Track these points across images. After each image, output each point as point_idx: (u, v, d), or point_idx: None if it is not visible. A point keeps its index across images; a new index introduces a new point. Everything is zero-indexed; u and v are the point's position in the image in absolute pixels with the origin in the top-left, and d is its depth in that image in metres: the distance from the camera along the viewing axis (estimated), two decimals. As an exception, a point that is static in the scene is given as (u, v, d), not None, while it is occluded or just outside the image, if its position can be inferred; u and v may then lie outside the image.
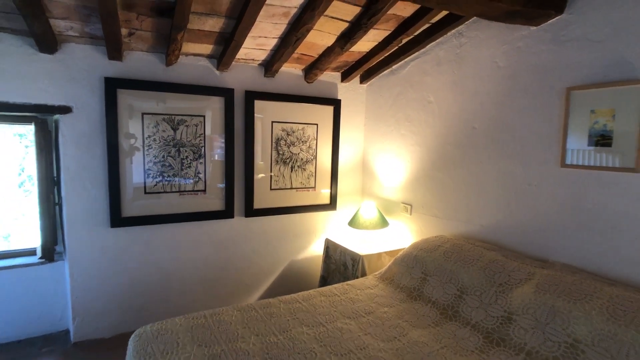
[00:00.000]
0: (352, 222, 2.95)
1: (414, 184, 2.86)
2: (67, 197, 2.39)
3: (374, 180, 3.28)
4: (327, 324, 1.89)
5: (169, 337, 1.72)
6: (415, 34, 2.56)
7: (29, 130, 2.75)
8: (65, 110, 2.33)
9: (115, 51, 2.32)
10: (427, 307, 2.05)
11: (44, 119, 2.42)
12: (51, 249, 2.44)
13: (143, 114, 2.50)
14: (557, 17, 1.96)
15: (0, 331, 2.48)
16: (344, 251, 2.87)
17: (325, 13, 2.19)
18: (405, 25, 2.44)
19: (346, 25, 2.40)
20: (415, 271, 2.29)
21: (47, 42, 2.17)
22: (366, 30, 2.36)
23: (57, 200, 2.48)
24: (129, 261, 2.60)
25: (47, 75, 2.27)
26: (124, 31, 2.19)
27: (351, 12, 2.26)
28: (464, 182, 2.48)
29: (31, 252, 2.67)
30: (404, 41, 2.62)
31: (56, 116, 2.38)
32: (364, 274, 2.68)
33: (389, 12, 2.26)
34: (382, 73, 3.09)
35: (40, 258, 2.44)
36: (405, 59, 2.86)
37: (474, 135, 2.41)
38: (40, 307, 2.57)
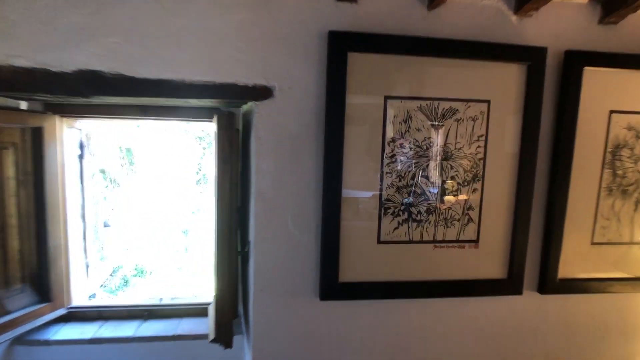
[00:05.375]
0: None
1: None
2: (257, 242, 1.39)
3: None
4: None
5: None
6: None
7: (208, 132, 1.88)
8: (262, 93, 1.33)
9: (353, -21, 1.23)
10: None
11: (229, 111, 1.48)
12: (229, 329, 1.46)
13: (387, 97, 1.35)
14: None
15: None
16: None
17: None
18: None
19: None
20: None
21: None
22: None
23: (242, 247, 1.52)
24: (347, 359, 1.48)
25: (238, 31, 1.30)
26: None
27: None
28: None
29: (200, 311, 1.81)
30: None
31: (248, 105, 1.41)
32: None
33: None
34: None
35: (212, 341, 1.48)
36: None
37: None
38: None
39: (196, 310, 1.82)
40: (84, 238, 1.90)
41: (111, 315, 1.75)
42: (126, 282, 9.67)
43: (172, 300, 1.91)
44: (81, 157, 1.86)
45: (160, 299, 1.92)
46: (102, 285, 9.30)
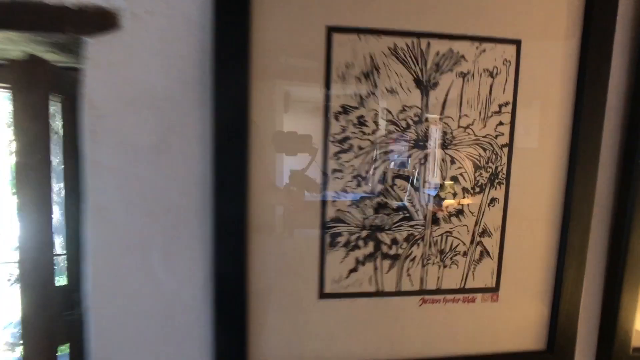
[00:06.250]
0: None
1: None
2: (95, 298, 0.75)
3: None
4: None
5: None
6: None
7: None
8: (98, 22, 0.70)
9: None
10: None
11: (34, 59, 0.83)
12: None
13: (331, 29, 0.72)
14: None
15: None
16: None
17: None
18: None
19: None
20: None
21: None
22: None
23: (74, 308, 0.89)
24: None
25: None
26: None
27: None
28: None
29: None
30: None
31: (78, 47, 0.77)
32: None
33: None
34: None
35: None
36: None
37: None
38: None
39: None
40: None
41: None
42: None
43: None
44: None
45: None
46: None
